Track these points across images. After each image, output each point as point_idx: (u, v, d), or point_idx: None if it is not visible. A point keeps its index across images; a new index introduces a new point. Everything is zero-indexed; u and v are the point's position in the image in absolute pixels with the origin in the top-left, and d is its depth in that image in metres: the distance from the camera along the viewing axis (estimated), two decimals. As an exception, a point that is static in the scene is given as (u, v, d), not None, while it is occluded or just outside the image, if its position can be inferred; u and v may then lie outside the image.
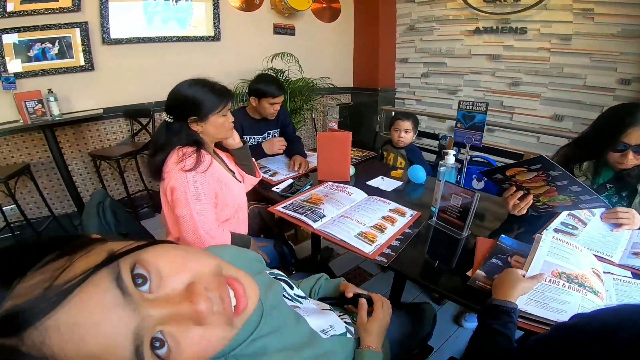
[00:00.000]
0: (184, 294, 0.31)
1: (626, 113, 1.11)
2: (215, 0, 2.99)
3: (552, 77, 2.93)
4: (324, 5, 3.71)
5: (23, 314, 0.25)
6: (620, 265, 0.94)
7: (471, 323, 1.64)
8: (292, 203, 1.32)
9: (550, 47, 2.89)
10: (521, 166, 0.99)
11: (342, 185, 1.46)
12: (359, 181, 1.60)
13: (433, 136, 2.46)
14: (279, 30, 3.48)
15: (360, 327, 0.74)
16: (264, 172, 1.67)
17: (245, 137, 1.83)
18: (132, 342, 0.27)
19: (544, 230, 1.06)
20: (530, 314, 0.70)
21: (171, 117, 1.13)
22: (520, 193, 1.08)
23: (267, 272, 0.70)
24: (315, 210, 1.24)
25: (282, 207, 1.30)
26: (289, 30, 3.56)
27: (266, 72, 3.05)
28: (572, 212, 1.14)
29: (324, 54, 3.86)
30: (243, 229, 1.39)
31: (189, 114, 1.12)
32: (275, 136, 1.96)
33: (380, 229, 1.13)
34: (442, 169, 1.18)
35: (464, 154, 1.58)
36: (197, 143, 1.15)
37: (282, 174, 1.67)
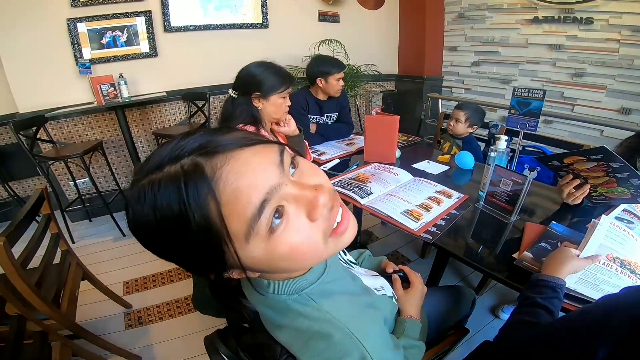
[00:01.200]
0: (312, 187, 0.41)
1: None
2: (263, -13, 3.08)
3: (621, 68, 2.69)
4: None
5: (223, 145, 0.38)
6: None
7: (508, 314, 1.64)
8: (341, 180, 1.40)
9: (620, 39, 2.65)
10: (581, 155, 0.96)
11: (389, 166, 1.51)
12: (405, 164, 1.62)
13: (484, 124, 2.39)
14: (323, 17, 3.51)
15: (400, 298, 0.79)
16: (312, 152, 1.76)
17: (310, 115, 1.92)
18: (265, 194, 0.37)
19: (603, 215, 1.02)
20: (580, 293, 0.71)
21: (236, 92, 1.25)
22: (577, 182, 1.06)
23: None
24: (362, 187, 1.30)
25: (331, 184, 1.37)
26: (334, 18, 3.58)
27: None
28: (628, 206, 1.08)
29: (368, 41, 3.83)
30: None
31: (254, 89, 1.24)
32: (333, 119, 2.03)
33: (426, 208, 1.17)
34: (492, 154, 1.18)
35: (515, 143, 1.54)
36: (256, 121, 1.26)
37: (329, 154, 1.75)
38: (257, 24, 3.20)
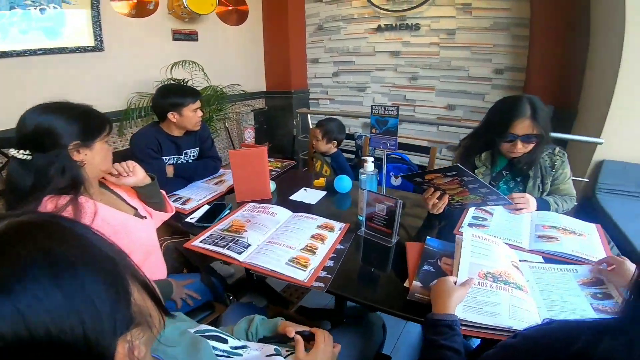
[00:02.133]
0: None
1: (510, 106, 1.24)
2: (95, 7, 2.54)
3: (443, 70, 3.24)
4: (229, 7, 3.49)
5: None
6: (530, 251, 1.01)
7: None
8: (212, 235, 1.16)
9: (439, 42, 3.19)
10: (438, 172, 1.06)
11: (264, 205, 1.34)
12: (282, 196, 1.50)
13: (349, 136, 2.51)
14: (178, 36, 3.16)
15: None
16: (174, 201, 1.45)
17: (164, 157, 1.58)
18: None
19: (460, 227, 1.14)
20: (469, 321, 0.71)
21: (28, 152, 0.86)
22: (438, 193, 1.16)
23: (193, 329, 0.64)
24: (238, 240, 1.10)
25: (201, 242, 1.12)
26: (191, 36, 3.26)
27: (166, 83, 2.73)
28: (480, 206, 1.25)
29: (232, 59, 3.65)
30: (160, 272, 1.18)
31: (70, 138, 0.88)
32: (194, 156, 1.72)
33: (311, 250, 1.05)
34: (362, 176, 1.17)
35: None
36: (76, 183, 0.91)
37: (195, 200, 1.47)
38: (88, 47, 2.61)
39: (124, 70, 2.81)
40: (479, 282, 0.79)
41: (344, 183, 1.51)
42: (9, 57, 2.28)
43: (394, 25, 3.33)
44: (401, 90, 3.50)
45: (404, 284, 0.89)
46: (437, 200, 1.16)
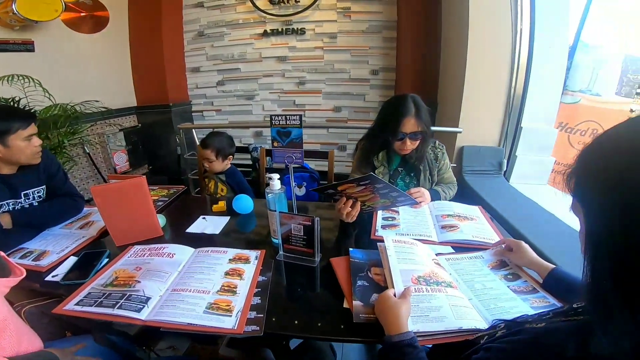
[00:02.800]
0: None
1: (396, 107, 1.32)
2: None
3: (328, 73, 3.36)
4: (82, 14, 2.82)
5: None
6: (440, 243, 1.07)
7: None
8: (90, 294, 0.85)
9: (323, 46, 3.29)
10: (352, 183, 1.03)
11: (156, 246, 1.06)
12: (176, 230, 1.23)
13: (243, 149, 2.31)
14: (4, 46, 2.38)
15: None
16: (21, 258, 1.04)
17: None
18: None
19: (376, 231, 1.14)
20: (422, 332, 0.67)
21: None
22: (350, 202, 1.12)
23: None
24: (131, 295, 0.83)
25: (77, 304, 0.81)
26: (25, 46, 2.50)
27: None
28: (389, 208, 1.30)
29: (87, 72, 2.98)
30: (31, 343, 0.80)
31: None
32: (40, 197, 1.26)
33: (230, 289, 0.87)
34: (270, 196, 1.04)
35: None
36: None
37: (54, 252, 1.07)
38: None
39: None
40: (415, 288, 0.77)
41: (243, 203, 1.34)
42: None
43: (280, 30, 3.29)
44: (290, 96, 3.49)
45: (344, 305, 0.81)
46: (351, 209, 1.13)
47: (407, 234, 1.10)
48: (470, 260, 0.95)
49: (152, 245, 1.07)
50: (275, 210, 1.00)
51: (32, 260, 1.02)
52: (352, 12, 3.15)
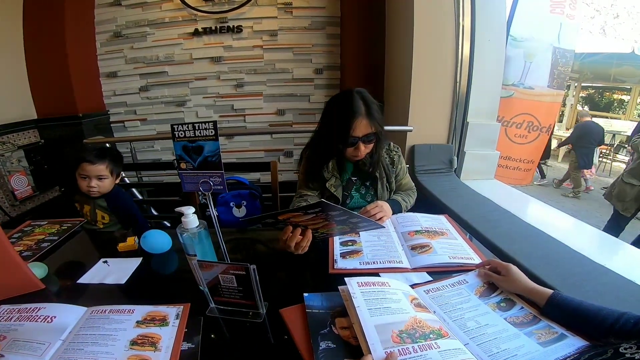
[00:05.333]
0: None
1: (342, 107, 1.11)
2: None
3: (268, 73, 3.09)
4: None
5: None
6: (414, 269, 0.90)
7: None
8: None
9: (262, 45, 3.01)
10: (297, 212, 0.80)
11: (29, 306, 0.72)
12: (65, 281, 0.90)
13: (167, 165, 1.92)
14: None
15: None
16: None
17: None
18: None
19: (335, 263, 0.92)
20: None
21: None
22: (299, 230, 0.89)
23: None
24: None
25: None
26: None
27: None
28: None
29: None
30: None
31: None
32: None
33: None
34: (184, 236, 0.75)
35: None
36: None
37: None
38: None
39: None
40: (399, 350, 0.56)
41: (155, 240, 1.02)
42: None
43: (213, 28, 2.94)
44: (228, 100, 3.15)
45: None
46: (300, 237, 0.89)
47: (373, 262, 0.91)
48: (454, 289, 0.80)
49: (25, 306, 0.74)
50: (193, 255, 0.73)
51: None
52: (294, 7, 2.92)
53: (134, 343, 0.65)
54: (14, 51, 2.75)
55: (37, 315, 0.72)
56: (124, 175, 1.48)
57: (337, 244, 1.02)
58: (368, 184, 1.28)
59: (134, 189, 2.18)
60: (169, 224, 2.03)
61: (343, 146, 1.13)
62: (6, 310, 0.74)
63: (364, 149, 1.13)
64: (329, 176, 1.22)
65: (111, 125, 3.13)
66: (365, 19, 2.85)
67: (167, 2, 2.92)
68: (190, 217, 0.74)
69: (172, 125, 0.75)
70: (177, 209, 0.74)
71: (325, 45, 3.02)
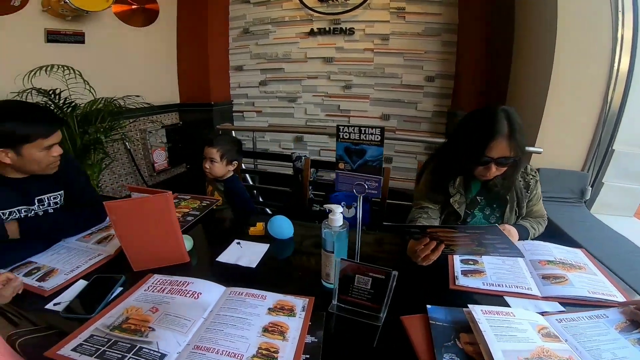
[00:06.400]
0: None
1: (483, 124, 1.03)
2: None
3: (377, 77, 3.10)
4: (134, 6, 2.81)
5: None
6: (544, 298, 0.84)
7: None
8: (92, 337, 0.67)
9: (373, 48, 3.03)
10: (452, 228, 0.81)
11: (180, 279, 0.86)
12: (204, 257, 1.02)
13: (284, 157, 2.07)
14: (55, 37, 2.39)
15: None
16: (26, 275, 0.88)
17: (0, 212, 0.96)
18: None
19: (455, 280, 0.89)
20: None
21: None
22: (434, 244, 0.87)
23: None
24: (142, 347, 0.64)
25: (73, 349, 0.63)
26: (76, 37, 2.51)
27: (22, 95, 2.00)
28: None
29: (134, 66, 2.96)
30: None
31: None
32: (56, 203, 1.12)
33: (270, 355, 0.64)
34: (326, 231, 0.78)
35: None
36: None
37: (63, 272, 0.90)
38: None
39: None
40: None
41: (280, 226, 1.10)
42: None
43: (327, 29, 3.09)
44: (335, 100, 3.26)
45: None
46: (430, 252, 0.87)
47: (498, 284, 0.88)
48: (591, 321, 0.74)
49: (175, 278, 0.86)
50: (330, 252, 0.76)
51: (37, 280, 0.87)
52: (407, 12, 2.87)
53: (265, 330, 0.70)
54: (169, 46, 3.32)
55: (186, 290, 0.81)
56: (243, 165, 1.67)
57: (457, 261, 0.99)
58: (495, 205, 1.18)
59: (246, 174, 2.43)
60: (270, 212, 2.21)
61: (473, 163, 1.06)
62: (159, 281, 0.85)
63: (495, 171, 1.04)
64: (454, 192, 1.16)
65: (233, 114, 3.54)
66: (487, 26, 2.63)
67: (287, 2, 3.14)
68: (337, 215, 0.78)
69: (338, 126, 0.79)
70: (327, 206, 0.78)
71: (439, 53, 2.89)
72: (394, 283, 0.69)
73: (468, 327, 0.70)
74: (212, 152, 1.51)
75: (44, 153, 0.97)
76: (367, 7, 2.95)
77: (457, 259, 1.00)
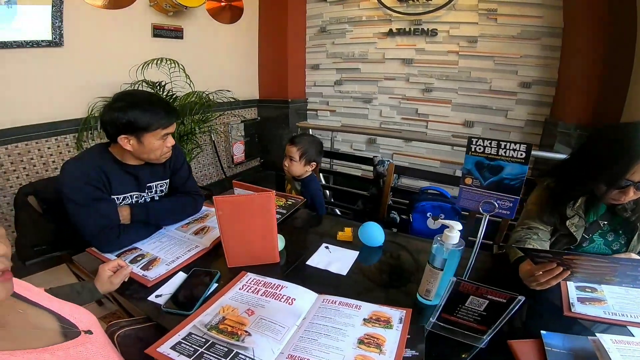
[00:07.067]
0: None
1: (623, 143, 0.88)
2: (56, -2, 2.05)
3: (461, 81, 2.88)
4: (223, 3, 3.02)
5: None
6: None
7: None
8: (191, 335, 0.70)
9: (458, 50, 2.83)
10: (597, 258, 0.73)
11: (274, 281, 0.86)
12: (294, 260, 1.02)
13: (367, 160, 2.00)
14: (160, 32, 2.67)
15: None
16: (131, 261, 0.98)
17: (115, 196, 1.08)
18: None
19: (570, 307, 0.82)
20: None
21: None
22: (559, 269, 0.77)
23: None
24: (239, 353, 0.65)
25: (172, 348, 0.66)
26: (176, 33, 2.78)
27: (134, 86, 2.24)
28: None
29: (222, 62, 3.18)
30: None
31: None
32: (162, 191, 1.22)
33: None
34: (436, 246, 0.72)
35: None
36: None
37: (165, 262, 0.98)
38: (43, 41, 2.10)
39: (87, 70, 2.29)
40: None
41: (372, 233, 1.07)
42: None
43: (407, 30, 2.95)
44: (413, 103, 3.11)
45: None
46: (552, 277, 0.79)
47: (622, 314, 0.82)
48: None
49: (269, 280, 0.88)
50: (439, 269, 0.69)
51: (141, 269, 0.95)
52: (499, 14, 2.60)
53: (361, 342, 0.67)
54: (252, 43, 3.47)
55: (281, 294, 0.81)
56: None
57: (571, 287, 0.93)
58: (621, 231, 1.02)
59: (321, 173, 2.44)
60: (339, 212, 2.18)
61: (608, 187, 0.90)
62: (253, 280, 0.87)
63: (632, 195, 0.90)
64: (571, 214, 1.02)
65: (307, 112, 3.61)
66: (598, 30, 2.24)
67: (364, 1, 3.06)
68: (454, 232, 0.71)
69: (470, 138, 0.72)
70: (446, 222, 0.71)
71: (539, 58, 2.57)
72: (516, 308, 0.62)
73: (591, 356, 0.67)
74: (293, 151, 1.53)
75: (160, 142, 1.05)
76: (451, 8, 2.75)
77: (571, 285, 0.93)
